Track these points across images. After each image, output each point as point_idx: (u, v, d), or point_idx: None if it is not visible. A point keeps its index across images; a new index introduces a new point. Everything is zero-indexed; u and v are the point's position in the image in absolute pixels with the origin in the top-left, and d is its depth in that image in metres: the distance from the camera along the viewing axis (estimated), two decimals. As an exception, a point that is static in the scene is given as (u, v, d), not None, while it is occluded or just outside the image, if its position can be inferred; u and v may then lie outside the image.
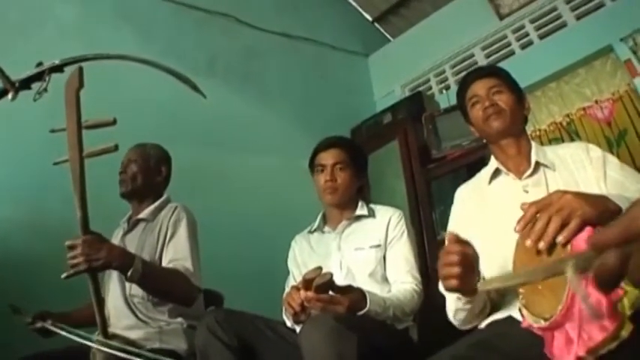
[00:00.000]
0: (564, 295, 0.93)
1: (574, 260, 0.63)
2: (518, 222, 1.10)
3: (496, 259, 1.33)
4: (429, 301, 1.83)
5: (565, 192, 1.09)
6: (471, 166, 2.87)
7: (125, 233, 1.98)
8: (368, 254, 1.85)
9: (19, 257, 2.32)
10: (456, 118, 3.03)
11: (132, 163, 2.00)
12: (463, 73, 3.39)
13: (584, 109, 2.98)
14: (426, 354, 1.81)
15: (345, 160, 1.96)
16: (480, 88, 1.56)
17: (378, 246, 1.85)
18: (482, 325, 1.42)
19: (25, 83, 1.57)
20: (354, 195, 1.99)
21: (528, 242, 1.05)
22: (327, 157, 1.97)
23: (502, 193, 1.51)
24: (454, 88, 3.47)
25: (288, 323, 1.76)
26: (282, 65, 3.52)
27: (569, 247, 0.98)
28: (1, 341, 2.08)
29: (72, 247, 1.52)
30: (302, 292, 1.52)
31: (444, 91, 3.53)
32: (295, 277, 1.96)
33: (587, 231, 0.98)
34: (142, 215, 1.94)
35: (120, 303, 1.81)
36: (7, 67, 1.52)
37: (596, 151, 1.45)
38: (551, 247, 1.02)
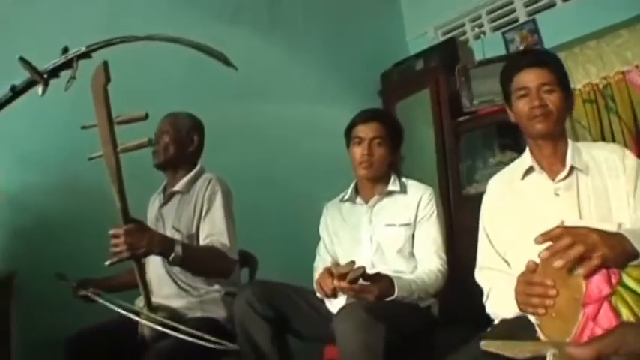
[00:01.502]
0: (574, 328, 0.96)
1: (554, 350, 0.77)
2: (544, 235, 1.08)
3: (524, 257, 1.25)
4: (450, 272, 1.81)
5: (591, 229, 1.06)
6: (501, 125, 2.71)
7: (162, 205, 1.91)
8: (398, 231, 1.81)
9: (50, 222, 2.30)
10: (490, 72, 2.85)
11: (164, 134, 1.90)
12: (500, 21, 3.17)
13: (622, 72, 2.71)
14: (446, 329, 1.83)
15: (384, 136, 1.86)
16: (531, 79, 1.40)
17: (408, 224, 1.81)
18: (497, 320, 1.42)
19: (54, 72, 1.48)
20: (387, 169, 1.90)
21: (544, 254, 1.05)
22: (366, 131, 1.86)
23: (533, 192, 1.44)
24: (489, 35, 3.21)
25: (318, 295, 1.74)
26: (309, 7, 3.23)
27: (583, 281, 0.98)
28: (57, 313, 2.12)
29: (115, 236, 1.49)
30: (335, 281, 1.54)
31: (479, 38, 3.24)
32: (326, 244, 1.96)
33: (602, 274, 0.97)
34: (177, 188, 1.87)
35: (161, 271, 1.79)
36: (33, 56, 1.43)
37: (631, 160, 1.37)
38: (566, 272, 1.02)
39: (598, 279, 0.97)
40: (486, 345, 1.07)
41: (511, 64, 1.50)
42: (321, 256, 1.96)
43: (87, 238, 2.29)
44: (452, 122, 2.87)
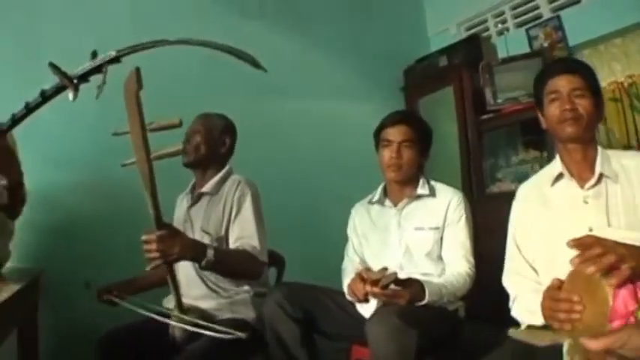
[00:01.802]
0: None
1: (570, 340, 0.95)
2: (575, 241, 1.08)
3: (552, 263, 1.37)
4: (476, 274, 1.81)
5: (620, 244, 1.06)
6: (525, 124, 2.66)
7: (190, 206, 1.90)
8: (427, 235, 1.80)
9: (79, 221, 2.32)
10: (514, 70, 2.80)
11: (196, 133, 1.88)
12: (523, 17, 3.10)
13: (649, 72, 2.64)
14: (473, 331, 1.82)
15: (412, 138, 1.84)
16: (563, 84, 1.42)
17: (437, 228, 1.80)
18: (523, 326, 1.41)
19: (84, 78, 1.47)
20: (416, 172, 1.88)
21: (576, 260, 1.05)
22: (395, 134, 1.84)
23: (563, 199, 1.44)
24: (513, 31, 3.15)
25: (348, 297, 1.74)
26: (331, 3, 3.18)
27: (609, 297, 0.99)
28: (85, 312, 2.12)
29: (147, 242, 1.49)
30: (368, 287, 1.55)
31: (502, 34, 3.18)
32: (355, 246, 1.96)
33: (629, 289, 0.99)
34: (205, 189, 1.85)
35: (191, 273, 1.78)
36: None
37: None
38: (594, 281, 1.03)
39: (625, 294, 0.98)
40: (513, 333, 1.18)
41: (544, 71, 1.52)
42: (349, 257, 1.95)
43: (115, 238, 2.33)
44: (475, 119, 2.83)
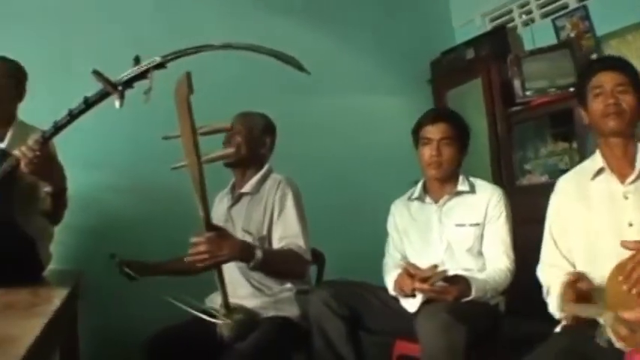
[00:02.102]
0: None
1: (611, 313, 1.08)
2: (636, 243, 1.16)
3: (592, 256, 1.42)
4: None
5: None
6: (554, 117, 2.64)
7: (231, 206, 1.91)
8: (468, 231, 1.82)
9: (117, 222, 2.34)
10: (542, 62, 2.77)
11: (237, 133, 1.88)
12: (549, 7, 3.06)
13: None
14: (512, 325, 1.83)
15: (452, 136, 1.86)
16: (607, 80, 1.45)
17: (478, 224, 1.82)
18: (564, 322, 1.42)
19: (128, 84, 1.48)
20: (455, 169, 1.90)
21: (620, 278, 1.15)
22: (434, 132, 1.86)
23: (603, 193, 1.46)
24: (539, 22, 3.10)
25: (392, 293, 1.78)
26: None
27: None
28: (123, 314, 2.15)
29: (196, 244, 1.50)
30: (417, 284, 1.60)
31: (528, 25, 3.14)
32: (395, 242, 1.99)
33: None
34: (246, 189, 1.86)
35: (235, 272, 1.78)
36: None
37: None
38: None
39: None
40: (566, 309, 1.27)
41: (588, 67, 1.56)
42: (390, 253, 1.97)
43: (153, 239, 2.34)
44: (504, 112, 2.81)
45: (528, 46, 3.06)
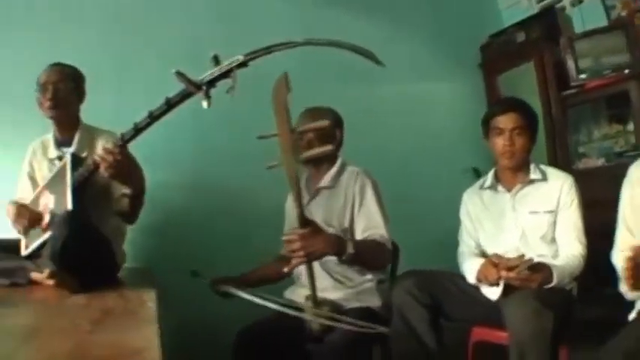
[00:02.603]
0: None
1: None
2: None
3: None
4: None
5: None
6: (610, 100, 2.62)
7: (309, 201, 1.94)
8: (542, 218, 1.85)
9: (184, 220, 2.39)
10: (596, 43, 2.74)
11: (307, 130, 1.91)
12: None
13: None
14: (584, 310, 1.86)
15: (523, 125, 1.88)
16: None
17: (551, 211, 1.85)
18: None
19: (211, 83, 1.50)
20: (527, 157, 1.92)
21: None
22: (506, 122, 1.88)
23: None
24: (588, 2, 3.05)
25: (471, 281, 1.82)
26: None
27: None
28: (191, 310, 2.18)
29: (290, 240, 1.53)
30: (503, 272, 1.66)
31: (576, 5, 3.08)
32: (469, 231, 2.02)
33: None
34: (323, 183, 1.90)
35: (315, 266, 1.82)
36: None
37: None
38: None
39: None
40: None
41: None
42: (464, 242, 2.01)
43: (217, 235, 2.41)
44: (558, 95, 2.79)
45: (578, 27, 3.02)
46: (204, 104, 1.46)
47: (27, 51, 2.34)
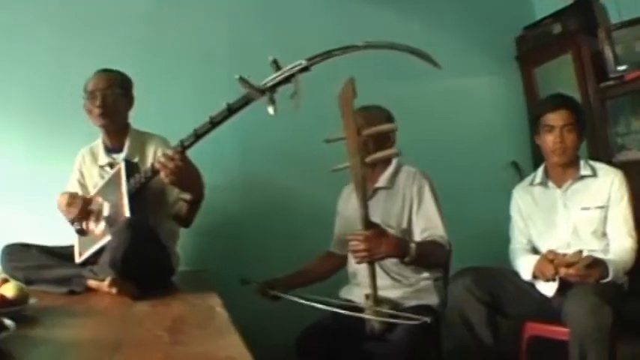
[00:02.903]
0: None
1: None
2: None
3: None
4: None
5: None
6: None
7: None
8: (593, 214, 1.89)
9: (236, 222, 2.42)
10: (634, 33, 2.71)
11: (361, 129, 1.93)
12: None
13: None
14: (636, 304, 1.89)
15: (573, 122, 1.91)
16: None
17: (602, 207, 1.89)
18: None
19: (273, 89, 1.51)
20: (576, 153, 1.96)
21: None
22: (557, 119, 1.91)
23: None
24: (622, -8, 3.02)
25: (525, 277, 1.86)
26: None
27: None
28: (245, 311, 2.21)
29: (355, 241, 1.55)
30: (563, 269, 1.69)
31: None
32: (520, 227, 2.06)
33: None
34: (380, 184, 1.92)
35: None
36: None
37: None
38: None
39: None
40: None
41: None
42: (516, 239, 2.05)
43: (269, 236, 2.45)
44: (597, 87, 2.78)
45: (613, 17, 2.98)
46: (270, 110, 1.47)
47: (70, 57, 2.39)
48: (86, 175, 2.09)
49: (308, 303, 1.68)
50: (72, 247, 1.94)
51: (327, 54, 1.54)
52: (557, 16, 3.03)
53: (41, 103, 2.37)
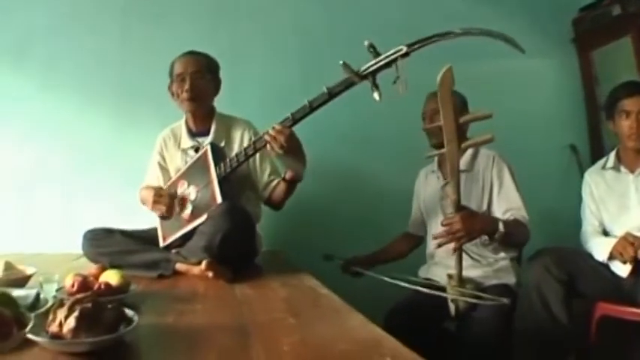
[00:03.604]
0: None
1: None
2: None
3: None
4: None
5: None
6: None
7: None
8: None
9: (313, 204, 2.49)
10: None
11: (437, 113, 1.95)
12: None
13: None
14: None
15: None
16: None
17: None
18: None
19: (374, 74, 1.59)
20: None
21: None
22: (632, 104, 1.99)
23: None
24: (683, -28, 3.01)
25: (600, 258, 1.95)
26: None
27: None
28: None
29: (450, 224, 1.64)
30: None
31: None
32: (592, 210, 2.14)
33: None
34: (460, 167, 1.97)
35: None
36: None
37: None
38: None
39: None
40: None
41: None
42: (588, 221, 2.14)
43: (344, 219, 2.58)
44: (656, 71, 2.80)
45: (673, -1, 2.99)
46: (375, 96, 1.56)
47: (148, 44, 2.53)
48: (167, 158, 2.15)
49: (393, 281, 1.80)
50: (151, 230, 2.02)
51: (427, 40, 1.62)
52: (617, -1, 3.03)
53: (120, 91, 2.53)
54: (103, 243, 1.86)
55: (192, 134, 2.10)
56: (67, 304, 0.89)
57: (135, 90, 2.57)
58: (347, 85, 1.63)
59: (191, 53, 2.03)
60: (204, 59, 2.02)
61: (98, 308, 0.91)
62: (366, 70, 1.61)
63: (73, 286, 1.20)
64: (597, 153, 2.90)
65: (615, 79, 2.90)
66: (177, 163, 2.10)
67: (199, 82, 1.98)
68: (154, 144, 2.22)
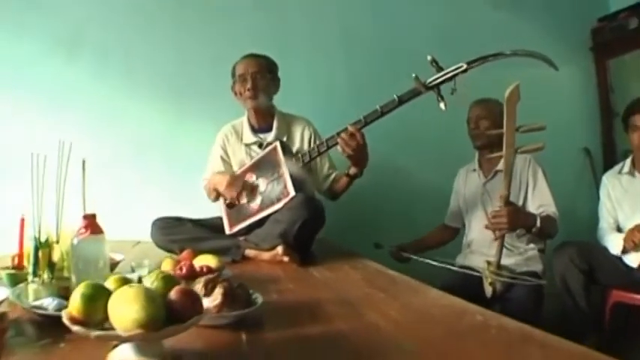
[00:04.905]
0: None
1: None
2: None
3: None
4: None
5: None
6: None
7: (486, 181, 2.43)
8: None
9: (360, 196, 2.62)
10: None
11: (482, 119, 2.40)
12: None
13: None
14: None
15: None
16: None
17: None
18: None
19: (437, 86, 1.91)
20: None
21: None
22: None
23: None
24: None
25: (615, 251, 2.30)
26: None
27: None
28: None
29: (497, 216, 1.96)
30: None
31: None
32: (609, 209, 2.50)
33: None
34: (500, 167, 2.32)
35: (489, 236, 2.21)
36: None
37: None
38: None
39: None
40: None
41: None
42: (604, 219, 2.52)
43: (385, 211, 2.90)
44: (671, 83, 3.12)
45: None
46: (442, 106, 1.86)
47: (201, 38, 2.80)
48: (230, 152, 2.39)
49: (442, 265, 2.13)
50: (214, 219, 2.27)
51: (483, 59, 1.94)
52: (634, 10, 3.30)
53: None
54: (175, 231, 2.09)
55: (255, 130, 2.35)
56: (201, 283, 1.07)
57: (186, 83, 2.81)
58: (415, 94, 1.96)
59: (252, 55, 2.30)
60: (264, 60, 2.29)
61: (232, 287, 1.08)
62: (431, 82, 1.95)
63: (181, 269, 1.29)
64: (609, 157, 3.30)
65: (629, 88, 3.26)
66: (241, 157, 2.34)
67: (260, 81, 2.24)
68: (203, 136, 2.54)
